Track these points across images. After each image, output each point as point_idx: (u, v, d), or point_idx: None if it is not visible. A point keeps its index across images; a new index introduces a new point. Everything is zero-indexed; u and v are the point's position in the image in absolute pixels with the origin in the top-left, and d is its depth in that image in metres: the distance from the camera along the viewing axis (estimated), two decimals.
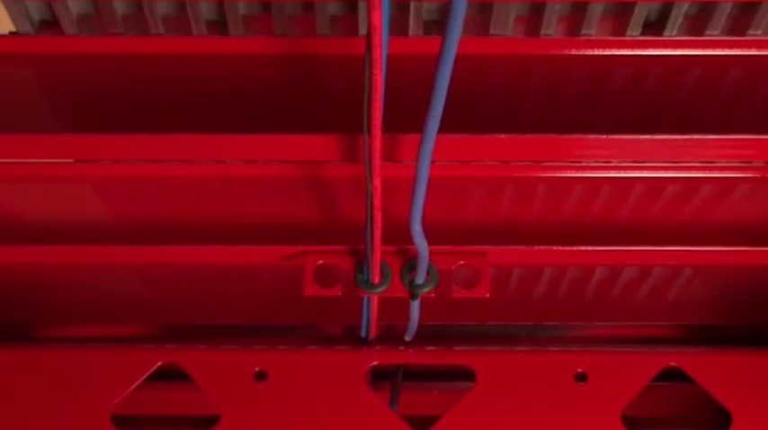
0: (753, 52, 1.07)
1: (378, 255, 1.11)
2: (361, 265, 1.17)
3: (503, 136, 1.01)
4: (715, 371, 1.31)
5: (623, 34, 1.06)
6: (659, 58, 1.06)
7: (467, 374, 1.31)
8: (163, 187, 1.25)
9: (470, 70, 1.03)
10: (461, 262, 1.19)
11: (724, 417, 1.29)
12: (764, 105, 1.04)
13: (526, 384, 1.30)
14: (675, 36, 1.06)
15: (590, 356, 1.32)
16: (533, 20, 1.05)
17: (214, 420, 1.28)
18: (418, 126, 0.82)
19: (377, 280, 1.17)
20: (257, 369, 1.30)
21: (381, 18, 0.71)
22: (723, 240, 1.22)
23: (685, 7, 1.03)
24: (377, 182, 0.95)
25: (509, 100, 1.05)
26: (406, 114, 0.86)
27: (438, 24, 1.05)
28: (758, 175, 1.25)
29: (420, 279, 1.16)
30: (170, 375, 1.31)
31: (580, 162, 1.24)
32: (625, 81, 1.05)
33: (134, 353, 1.32)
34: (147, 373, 1.30)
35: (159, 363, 1.31)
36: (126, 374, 1.30)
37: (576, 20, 1.05)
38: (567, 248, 1.22)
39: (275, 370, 1.30)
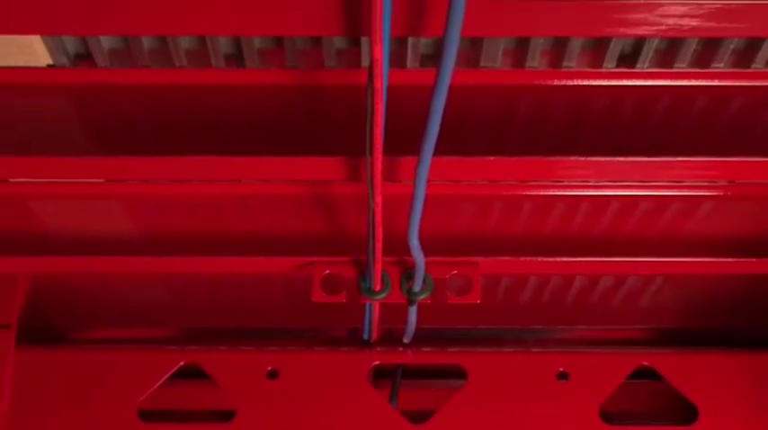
0: (716, 83, 1.07)
1: (379, 266, 1.11)
2: (364, 275, 1.17)
3: (491, 158, 1.01)
4: (683, 369, 1.31)
5: (600, 66, 1.06)
6: (632, 88, 1.06)
7: (460, 373, 1.30)
8: (185, 204, 1.25)
9: (462, 99, 1.03)
10: (455, 271, 1.19)
11: (691, 412, 1.29)
12: (727, 130, 1.04)
13: (513, 382, 1.30)
14: (647, 68, 1.06)
15: (571, 357, 1.32)
16: (519, 53, 1.05)
17: (231, 415, 1.28)
18: (415, 149, 0.82)
19: (378, 288, 1.17)
20: (270, 368, 1.30)
21: (382, 52, 0.71)
22: (690, 252, 1.22)
23: (656, 42, 1.03)
24: (378, 199, 0.95)
25: (497, 126, 1.05)
26: (404, 138, 0.86)
27: (433, 58, 1.05)
28: (722, 194, 1.25)
29: (417, 287, 1.16)
30: (191, 374, 1.31)
31: (561, 181, 1.24)
32: (602, 108, 1.05)
33: (158, 354, 1.32)
34: (171, 372, 1.30)
35: (181, 363, 1.31)
36: (151, 373, 1.30)
37: (557, 53, 1.05)
38: (550, 259, 1.21)
39: (286, 369, 1.30)
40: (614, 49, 1.04)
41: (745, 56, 1.05)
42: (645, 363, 1.31)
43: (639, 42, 1.03)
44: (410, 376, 1.38)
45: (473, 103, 1.05)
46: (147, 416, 1.28)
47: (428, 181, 0.88)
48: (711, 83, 1.07)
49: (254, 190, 1.24)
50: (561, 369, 1.30)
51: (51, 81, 1.06)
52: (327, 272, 1.20)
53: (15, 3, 0.78)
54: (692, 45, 1.04)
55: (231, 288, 1.39)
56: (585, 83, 1.06)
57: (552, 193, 1.24)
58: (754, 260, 1.22)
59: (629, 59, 1.06)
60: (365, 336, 1.32)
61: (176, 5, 0.77)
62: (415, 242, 1.01)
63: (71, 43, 1.05)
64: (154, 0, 0.77)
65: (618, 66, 1.06)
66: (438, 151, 0.82)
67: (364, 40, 1.02)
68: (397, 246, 1.04)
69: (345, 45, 1.04)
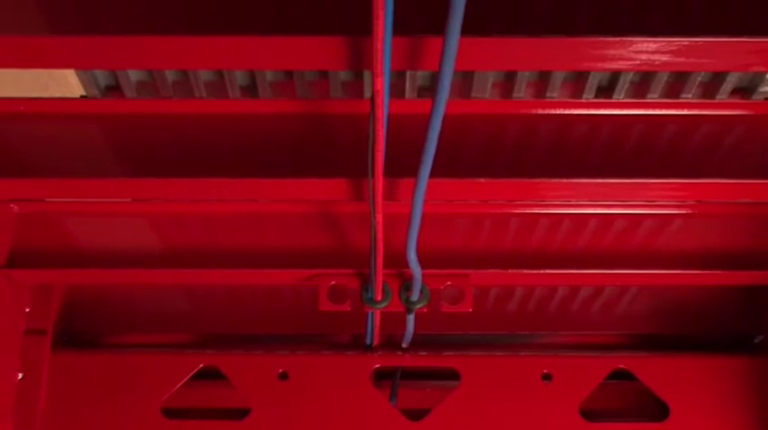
0: (685, 112, 1.07)
1: (380, 278, 1.11)
2: (367, 285, 1.17)
3: (482, 180, 1.01)
4: (655, 371, 1.30)
5: (580, 97, 1.06)
6: (609, 116, 1.06)
7: (454, 375, 1.30)
8: (204, 221, 1.24)
9: (455, 126, 1.03)
10: (449, 283, 1.19)
11: (663, 410, 1.28)
12: (695, 155, 1.04)
13: (502, 383, 1.29)
14: (622, 99, 1.06)
15: (554, 360, 1.31)
16: (507, 85, 1.05)
17: (245, 412, 1.27)
18: (413, 171, 0.82)
19: (379, 298, 1.17)
20: (281, 370, 1.29)
21: (383, 84, 0.71)
22: (662, 265, 1.21)
23: (630, 76, 1.03)
24: (379, 217, 0.94)
25: (487, 150, 1.04)
26: (402, 162, 0.86)
27: (429, 89, 1.05)
28: (690, 212, 1.25)
29: (415, 297, 1.16)
30: (209, 375, 1.31)
31: (545, 201, 1.24)
32: (582, 135, 1.05)
33: (180, 357, 1.31)
34: (191, 374, 1.30)
35: (201, 365, 1.30)
36: (173, 374, 1.30)
37: (541, 85, 1.05)
38: (535, 271, 1.21)
39: (296, 371, 1.29)
40: (593, 82, 1.04)
41: (710, 87, 1.05)
42: (621, 366, 1.31)
43: (615, 75, 1.03)
44: (408, 377, 1.37)
45: (465, 129, 1.04)
46: (169, 413, 1.28)
47: (425, 200, 0.88)
48: (680, 112, 1.06)
49: (266, 208, 1.24)
50: (545, 371, 1.30)
51: (84, 110, 1.06)
52: (333, 283, 1.19)
53: (52, 41, 0.78)
54: (662, 78, 1.04)
55: (245, 297, 1.38)
56: (567, 112, 1.06)
57: (537, 212, 1.24)
58: (720, 272, 1.22)
59: (606, 90, 1.06)
60: (367, 341, 1.31)
61: (197, 44, 0.77)
62: (413, 256, 1.01)
63: (102, 76, 1.05)
64: (176, 38, 0.77)
65: (596, 96, 1.06)
66: (434, 173, 0.82)
67: (367, 74, 1.02)
68: (397, 259, 1.04)
69: (350, 78, 1.04)
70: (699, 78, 1.04)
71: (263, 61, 0.85)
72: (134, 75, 1.03)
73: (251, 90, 1.05)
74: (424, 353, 1.33)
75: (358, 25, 0.70)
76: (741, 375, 1.30)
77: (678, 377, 1.30)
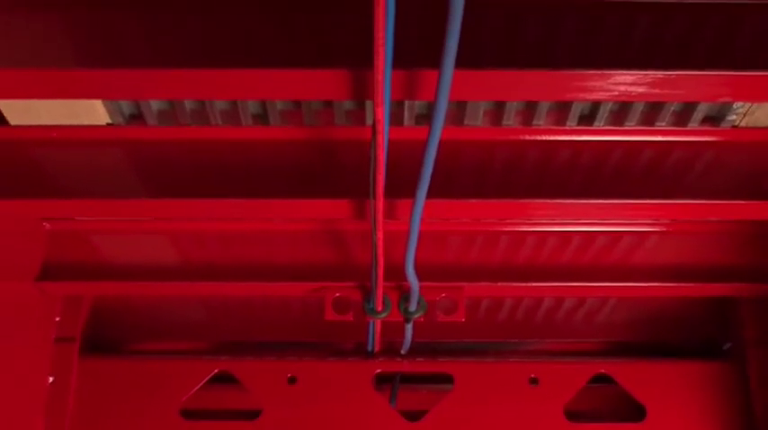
0: (659, 138, 1.07)
1: (380, 290, 1.11)
2: (368, 297, 1.16)
3: (474, 200, 1.01)
4: (633, 375, 1.30)
5: (564, 124, 1.05)
6: (591, 142, 1.06)
7: (448, 379, 1.29)
8: (219, 238, 1.24)
9: (450, 151, 1.02)
10: (443, 294, 1.18)
11: (640, 411, 1.28)
12: (669, 178, 1.04)
13: (492, 386, 1.29)
14: (602, 126, 1.05)
15: (540, 365, 1.31)
16: (497, 113, 1.04)
17: (256, 414, 1.27)
18: (411, 192, 0.82)
19: (380, 308, 1.16)
20: (290, 375, 1.29)
21: (383, 113, 0.71)
22: (639, 278, 1.21)
23: (609, 105, 1.03)
24: (380, 234, 0.94)
25: (479, 173, 1.04)
26: (401, 184, 0.85)
27: (426, 117, 1.05)
28: (665, 229, 1.25)
29: (412, 307, 1.16)
30: (224, 379, 1.30)
31: (532, 219, 1.23)
32: (566, 159, 1.05)
33: (197, 363, 1.31)
34: (207, 378, 1.29)
35: (216, 370, 1.29)
36: (191, 378, 1.29)
37: (528, 113, 1.04)
38: (523, 284, 1.21)
39: (303, 375, 1.29)
40: (575, 111, 1.03)
41: (682, 116, 1.05)
42: (602, 371, 1.30)
43: (596, 105, 1.03)
44: (407, 381, 1.36)
45: (458, 154, 1.04)
46: (187, 414, 1.27)
47: (422, 219, 0.88)
48: (655, 138, 1.06)
49: (275, 226, 1.23)
50: (532, 375, 1.29)
51: (110, 137, 1.06)
52: (337, 295, 1.19)
53: (81, 74, 0.78)
54: (639, 107, 1.04)
55: (257, 308, 1.38)
56: (552, 138, 1.06)
57: (524, 229, 1.24)
58: (692, 284, 1.22)
59: (587, 118, 1.05)
60: (369, 349, 1.31)
61: (212, 76, 0.77)
62: (411, 270, 1.00)
63: (126, 106, 1.05)
64: (194, 72, 0.77)
65: (578, 124, 1.05)
66: (430, 194, 0.82)
67: (368, 103, 1.02)
68: (396, 273, 1.04)
69: (353, 107, 1.04)
70: (672, 108, 1.04)
71: (274, 92, 0.85)
72: (155, 104, 1.03)
73: (262, 118, 1.04)
74: (421, 360, 1.32)
75: (360, 59, 0.70)
76: (711, 379, 1.29)
77: (654, 381, 1.29)
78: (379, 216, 0.90)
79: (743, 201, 1.02)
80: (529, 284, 1.21)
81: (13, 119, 1.05)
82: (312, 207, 1.03)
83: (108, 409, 1.28)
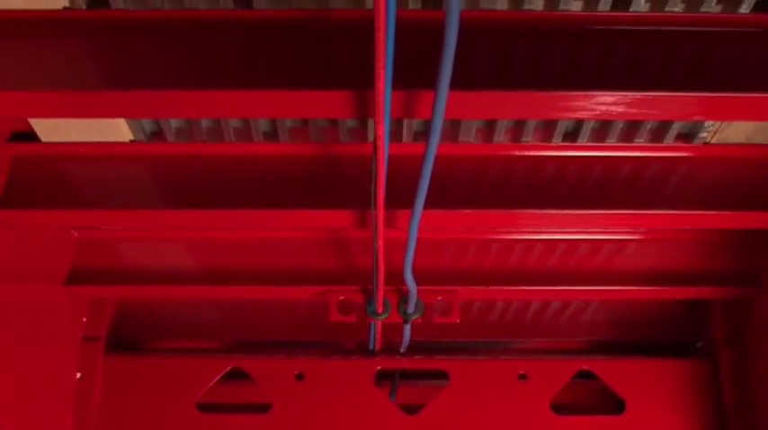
0: (637, 154, 1.06)
1: (381, 293, 1.10)
2: (370, 300, 1.16)
3: (467, 211, 1.00)
4: (613, 372, 1.29)
5: (550, 141, 1.05)
6: (574, 157, 1.06)
7: (444, 375, 1.29)
8: (232, 245, 1.23)
9: (445, 165, 1.03)
10: (439, 297, 1.18)
11: (620, 404, 1.27)
12: (646, 190, 1.03)
13: (484, 382, 1.28)
14: (585, 142, 1.05)
15: (529, 362, 1.30)
16: (488, 131, 1.04)
17: (267, 407, 1.26)
18: (409, 203, 0.82)
19: (380, 310, 1.16)
20: (297, 371, 1.28)
21: (384, 130, 0.71)
22: (619, 282, 1.21)
23: (592, 123, 1.03)
24: (380, 242, 0.94)
25: (471, 186, 1.04)
26: (400, 196, 0.85)
27: (423, 134, 1.04)
28: (643, 238, 1.24)
29: (410, 309, 1.15)
30: (237, 375, 1.29)
31: (521, 229, 1.23)
32: (552, 173, 1.04)
33: (212, 360, 1.30)
34: (221, 374, 1.28)
35: (229, 367, 1.29)
36: (206, 374, 1.28)
37: (517, 131, 1.04)
38: (513, 288, 1.20)
39: (310, 372, 1.28)
40: (560, 128, 1.03)
41: (658, 133, 1.05)
42: (585, 367, 1.29)
43: (579, 123, 1.03)
44: (405, 378, 1.36)
45: (453, 168, 1.04)
46: (203, 408, 1.26)
47: (419, 228, 0.87)
48: (634, 154, 1.06)
49: (284, 235, 1.23)
50: (521, 371, 1.29)
51: (132, 152, 1.06)
52: (341, 298, 1.19)
53: (106, 96, 0.78)
54: (619, 125, 1.03)
55: (267, 309, 1.37)
56: (539, 153, 1.05)
57: (514, 237, 1.23)
58: (667, 288, 1.21)
59: (571, 136, 1.05)
60: (370, 347, 1.30)
61: (227, 97, 0.77)
62: (409, 275, 1.00)
63: (147, 124, 1.05)
64: (210, 93, 0.77)
65: (563, 140, 1.05)
66: (427, 205, 0.81)
67: (370, 121, 1.01)
68: (395, 277, 1.03)
69: (355, 124, 1.03)
70: (649, 126, 1.04)
71: (283, 111, 0.85)
72: (174, 122, 1.03)
73: (272, 135, 1.04)
74: (419, 357, 1.31)
75: (362, 81, 0.70)
76: (685, 375, 1.29)
77: (633, 377, 1.29)
78: (380, 225, 0.90)
79: (714, 212, 1.02)
80: (518, 288, 1.21)
81: (45, 136, 1.05)
82: (318, 217, 1.02)
83: (130, 402, 1.27)
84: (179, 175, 1.04)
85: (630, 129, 1.04)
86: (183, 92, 0.77)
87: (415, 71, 0.69)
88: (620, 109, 0.78)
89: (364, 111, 0.77)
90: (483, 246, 1.24)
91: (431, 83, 0.62)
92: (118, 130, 1.03)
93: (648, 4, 0.82)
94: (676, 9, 0.82)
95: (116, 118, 1.00)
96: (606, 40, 0.82)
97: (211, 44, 0.81)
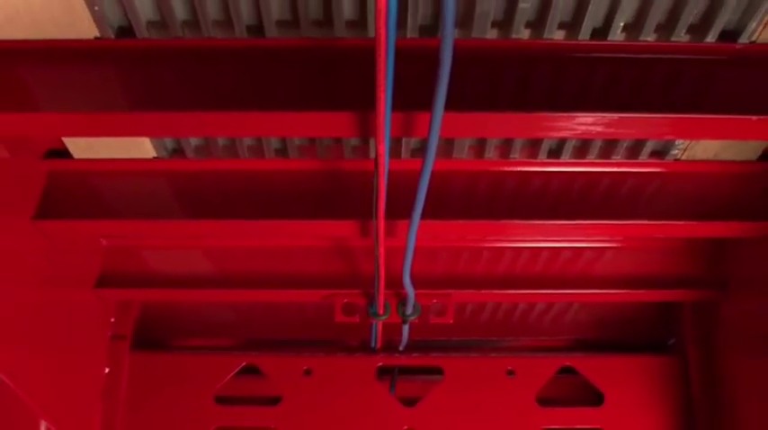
0: (615, 169, 1.06)
1: (382, 296, 1.10)
2: (372, 302, 1.15)
3: (461, 221, 1.00)
4: (593, 367, 1.29)
5: (536, 157, 1.05)
6: (558, 172, 1.06)
7: (439, 371, 1.28)
8: (246, 253, 1.23)
9: (440, 180, 1.02)
10: (435, 300, 1.18)
11: (599, 398, 1.27)
12: (623, 203, 1.03)
13: (476, 377, 1.27)
14: (567, 159, 1.05)
15: (516, 359, 1.29)
16: (479, 148, 1.04)
17: (278, 400, 1.26)
18: (408, 215, 0.81)
19: (381, 312, 1.15)
20: (306, 367, 1.27)
21: (384, 148, 0.71)
22: (598, 286, 1.21)
23: (573, 141, 1.03)
24: (381, 250, 0.93)
25: (464, 198, 1.04)
26: (399, 208, 0.84)
27: (420, 151, 1.04)
28: (620, 246, 1.24)
29: (409, 311, 1.15)
30: (250, 371, 1.29)
31: (509, 237, 1.22)
32: (537, 187, 1.04)
33: (228, 357, 1.29)
34: (236, 370, 1.28)
35: (243, 363, 1.28)
36: (223, 370, 1.28)
37: (506, 148, 1.04)
38: (502, 291, 1.20)
39: (317, 368, 1.27)
40: (545, 146, 1.03)
41: (634, 151, 1.05)
42: (567, 363, 1.29)
43: (562, 141, 1.03)
44: (404, 373, 1.35)
45: (447, 182, 1.04)
46: (220, 400, 1.26)
47: (417, 237, 0.87)
48: (611, 169, 1.06)
49: (294, 243, 1.23)
50: (509, 368, 1.28)
51: (155, 168, 1.06)
52: (346, 300, 1.18)
53: (132, 117, 0.78)
54: (598, 143, 1.03)
55: (279, 311, 1.37)
56: (525, 169, 1.05)
57: (503, 245, 1.23)
58: (642, 291, 1.21)
59: (555, 152, 1.05)
60: (372, 345, 1.29)
61: (241, 117, 0.77)
62: (407, 280, 0.99)
63: (169, 142, 1.04)
64: (225, 114, 0.77)
65: (548, 157, 1.05)
66: (423, 216, 0.81)
67: (372, 140, 1.01)
68: (395, 282, 1.03)
69: (358, 143, 1.03)
70: (625, 144, 1.03)
71: (293, 130, 0.85)
72: (193, 141, 1.02)
73: (283, 152, 1.04)
74: (416, 355, 1.31)
75: (365, 103, 0.70)
76: (658, 370, 1.28)
77: (611, 372, 1.28)
78: (381, 234, 0.90)
79: (684, 222, 1.02)
80: (506, 291, 1.21)
81: (77, 153, 1.05)
82: (324, 227, 1.02)
83: (154, 395, 1.27)
84: (197, 189, 1.04)
85: (608, 147, 1.04)
86: (201, 113, 0.77)
87: (413, 94, 0.69)
88: (599, 128, 0.78)
89: (366, 130, 0.77)
90: (475, 253, 1.23)
91: (427, 105, 0.62)
92: (142, 148, 1.03)
93: (624, 34, 0.82)
94: (649, 38, 0.82)
95: (141, 137, 1.00)
96: (586, 66, 0.82)
97: (228, 70, 0.81)
